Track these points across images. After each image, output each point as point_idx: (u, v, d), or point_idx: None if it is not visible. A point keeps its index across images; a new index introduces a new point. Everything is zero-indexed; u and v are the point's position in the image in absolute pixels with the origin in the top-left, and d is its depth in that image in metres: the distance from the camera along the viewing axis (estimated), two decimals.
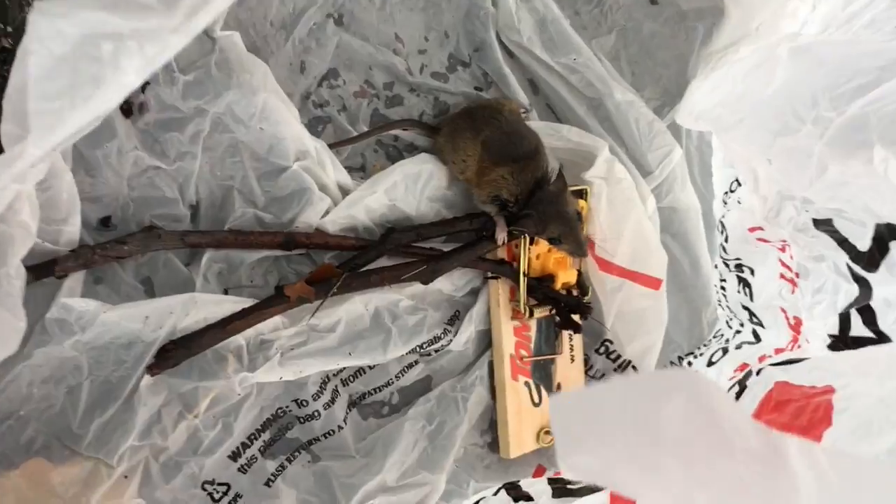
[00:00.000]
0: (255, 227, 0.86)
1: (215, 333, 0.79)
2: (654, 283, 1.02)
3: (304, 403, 0.89)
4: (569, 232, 0.91)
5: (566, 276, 1.00)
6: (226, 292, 0.86)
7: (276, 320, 0.86)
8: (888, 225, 0.70)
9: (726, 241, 1.00)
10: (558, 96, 1.03)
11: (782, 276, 0.89)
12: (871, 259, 0.73)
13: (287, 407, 0.89)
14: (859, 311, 0.80)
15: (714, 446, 0.39)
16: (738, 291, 0.99)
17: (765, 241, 0.89)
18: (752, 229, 0.91)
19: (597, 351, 1.07)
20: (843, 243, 0.77)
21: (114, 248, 0.77)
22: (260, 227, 0.87)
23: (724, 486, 0.39)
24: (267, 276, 0.90)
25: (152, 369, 0.78)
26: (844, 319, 0.84)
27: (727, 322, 1.04)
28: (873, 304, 0.77)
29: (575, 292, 1.02)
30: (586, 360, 1.07)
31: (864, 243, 0.74)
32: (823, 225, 0.77)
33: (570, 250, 0.93)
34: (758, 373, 0.98)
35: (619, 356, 1.06)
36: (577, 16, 1.06)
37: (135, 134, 0.80)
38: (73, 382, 0.77)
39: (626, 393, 0.42)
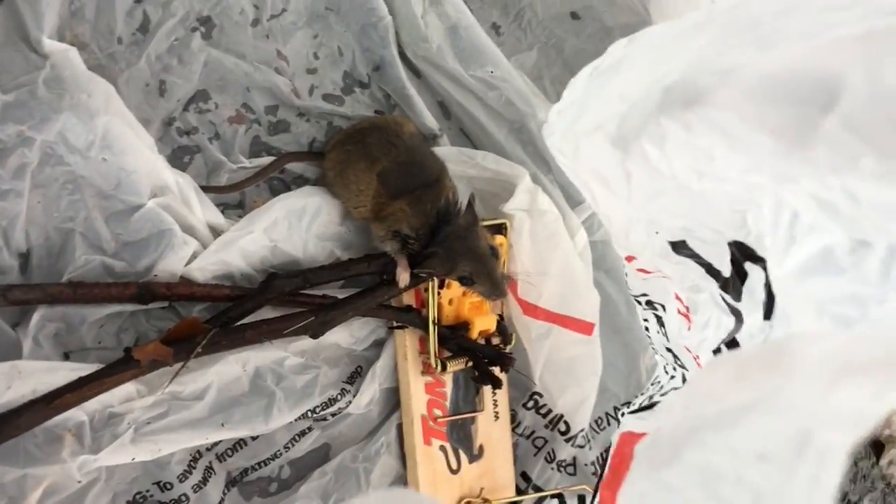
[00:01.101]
0: (103, 278, 0.73)
1: (38, 411, 0.65)
2: (585, 327, 0.91)
3: (168, 486, 0.75)
4: (481, 269, 0.79)
5: (484, 323, 0.88)
6: (67, 357, 0.72)
7: (131, 389, 0.72)
8: (736, 243, 0.58)
9: (626, 275, 0.89)
10: (473, 119, 0.91)
11: (679, 311, 0.78)
12: (735, 286, 0.61)
13: (148, 491, 0.76)
14: (727, 345, 0.68)
15: None
16: (658, 332, 0.88)
17: (645, 271, 0.77)
18: (628, 258, 0.79)
19: (525, 406, 0.95)
20: (710, 270, 0.64)
21: None
22: (110, 277, 0.73)
23: None
24: (121, 336, 0.76)
25: None
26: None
27: (664, 367, 0.93)
28: (739, 336, 0.66)
29: (496, 340, 0.90)
30: (513, 417, 0.95)
31: (726, 268, 0.62)
32: (682, 249, 0.64)
33: (485, 291, 0.81)
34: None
35: (549, 410, 0.95)
36: (496, 31, 0.96)
37: None
38: None
39: None
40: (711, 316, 0.64)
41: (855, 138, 0.36)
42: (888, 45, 0.36)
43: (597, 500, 0.80)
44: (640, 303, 0.81)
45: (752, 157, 0.41)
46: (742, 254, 0.54)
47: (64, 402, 0.66)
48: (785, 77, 0.39)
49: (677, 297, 0.70)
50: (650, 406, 0.78)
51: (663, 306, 0.76)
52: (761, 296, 0.54)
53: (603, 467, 0.83)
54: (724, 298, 0.60)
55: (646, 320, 0.89)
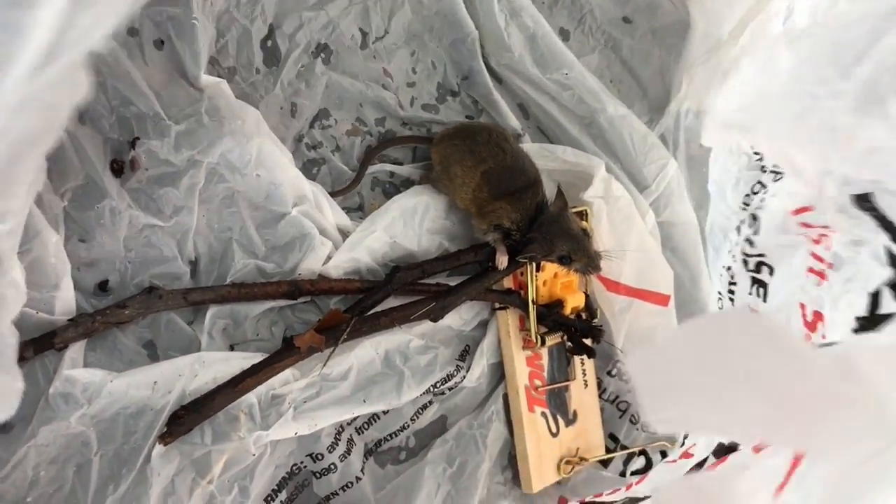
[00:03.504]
0: (257, 279, 0.83)
1: (227, 393, 0.75)
2: (662, 299, 1.00)
3: (320, 457, 0.86)
4: (578, 247, 0.88)
5: (575, 300, 0.98)
6: (232, 348, 0.83)
7: (287, 373, 0.82)
8: None
9: (755, 234, 0.97)
10: (550, 117, 1.01)
11: (811, 269, 0.87)
12: None
13: (302, 462, 0.86)
14: (891, 286, 0.78)
15: (789, 373, 0.41)
16: (750, 293, 0.96)
17: (808, 225, 0.86)
18: (796, 211, 0.88)
19: (609, 373, 1.05)
20: (884, 222, 0.74)
21: (114, 313, 0.73)
22: (262, 278, 0.84)
23: (802, 406, 0.41)
24: (273, 328, 0.86)
25: (164, 438, 0.74)
26: (874, 298, 0.82)
27: None
28: None
29: (584, 315, 1.00)
30: (599, 384, 1.05)
31: None
32: (864, 202, 0.74)
33: (583, 267, 0.89)
34: None
35: None
36: (564, 37, 1.05)
37: (127, 193, 0.77)
38: (82, 460, 0.72)
39: (694, 339, 0.44)
40: (860, 269, 0.74)
41: None
42: None
43: None
44: (746, 263, 0.90)
45: None
46: None
47: (246, 385, 0.76)
48: None
49: (814, 256, 0.80)
50: None
51: (772, 269, 0.85)
52: None
53: None
54: (889, 250, 0.71)
55: (733, 284, 0.97)
